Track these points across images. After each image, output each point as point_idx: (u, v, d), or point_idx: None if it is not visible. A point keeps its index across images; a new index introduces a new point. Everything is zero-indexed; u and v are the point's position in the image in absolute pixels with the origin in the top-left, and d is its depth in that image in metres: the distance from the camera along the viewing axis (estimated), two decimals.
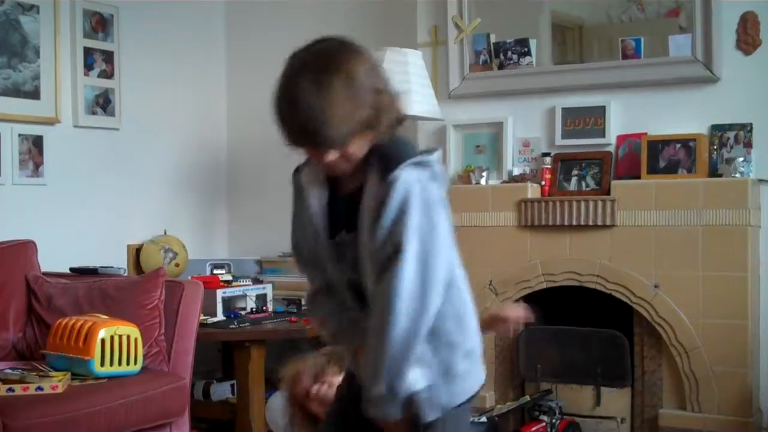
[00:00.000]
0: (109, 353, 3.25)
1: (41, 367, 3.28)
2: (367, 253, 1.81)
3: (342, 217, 1.88)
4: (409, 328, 1.75)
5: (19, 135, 4.09)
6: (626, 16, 4.07)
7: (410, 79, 3.94)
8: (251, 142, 5.11)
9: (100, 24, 4.47)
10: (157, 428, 3.40)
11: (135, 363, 3.33)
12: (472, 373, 1.94)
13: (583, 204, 3.78)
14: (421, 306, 1.75)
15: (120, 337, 3.28)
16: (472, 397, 1.97)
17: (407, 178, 1.76)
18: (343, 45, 1.81)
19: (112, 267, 4.04)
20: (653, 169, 3.74)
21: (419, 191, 1.76)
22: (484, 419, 3.74)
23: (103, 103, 4.47)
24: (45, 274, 3.76)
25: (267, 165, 5.02)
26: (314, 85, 1.72)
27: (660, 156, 3.74)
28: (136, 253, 4.53)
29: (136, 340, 3.33)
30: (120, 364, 3.28)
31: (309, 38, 4.99)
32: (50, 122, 4.22)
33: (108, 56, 4.50)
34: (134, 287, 3.64)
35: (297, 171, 1.97)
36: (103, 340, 3.22)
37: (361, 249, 1.82)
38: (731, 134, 3.67)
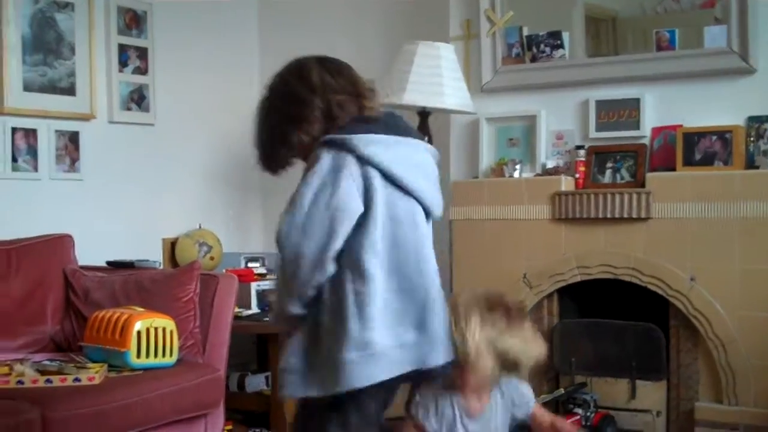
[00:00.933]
0: (145, 345, 3.27)
1: (78, 359, 3.32)
2: None
3: None
4: (292, 259, 2.01)
5: (56, 131, 4.14)
6: (661, 8, 4.04)
7: (442, 72, 3.93)
8: None
9: (134, 21, 4.51)
10: (192, 419, 3.43)
11: (171, 355, 3.36)
12: (362, 367, 1.98)
13: (617, 196, 3.75)
14: (302, 241, 2.00)
15: (156, 329, 3.30)
16: (363, 391, 2.00)
17: (318, 152, 2.06)
18: (274, 79, 2.36)
19: (147, 260, 4.07)
20: (689, 162, 3.70)
21: (325, 160, 2.04)
22: None
23: (138, 98, 4.51)
24: (82, 267, 3.81)
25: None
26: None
27: (696, 148, 3.71)
28: (171, 247, 4.57)
29: (171, 332, 3.36)
30: (156, 356, 3.31)
31: (342, 32, 5.05)
32: (86, 118, 4.26)
33: (142, 52, 4.53)
34: (169, 280, 3.67)
35: None
36: (139, 333, 3.25)
37: None
38: None
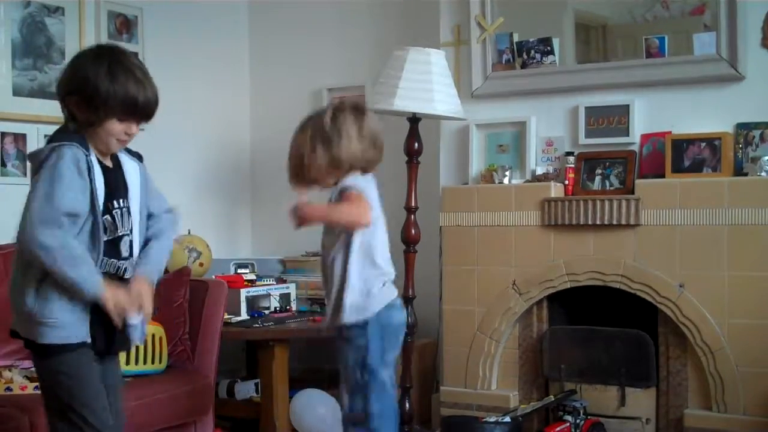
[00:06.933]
0: (134, 352, 3.27)
1: None
2: None
3: None
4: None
5: (45, 136, 4.07)
6: (650, 15, 4.05)
7: (433, 78, 3.93)
8: (274, 142, 5.12)
9: (124, 25, 4.51)
10: (181, 426, 3.43)
11: (160, 362, 3.36)
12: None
13: (607, 203, 3.76)
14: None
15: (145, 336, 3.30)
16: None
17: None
18: None
19: None
20: (678, 168, 3.71)
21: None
22: (507, 419, 3.74)
23: None
24: None
25: None
26: None
27: (684, 155, 3.72)
28: None
29: (161, 338, 3.36)
30: (145, 362, 3.31)
31: (332, 38, 5.04)
32: None
33: None
34: (159, 286, 3.65)
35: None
36: None
37: None
38: (756, 133, 3.64)
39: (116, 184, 2.43)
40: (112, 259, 2.39)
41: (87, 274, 2.29)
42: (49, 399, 2.39)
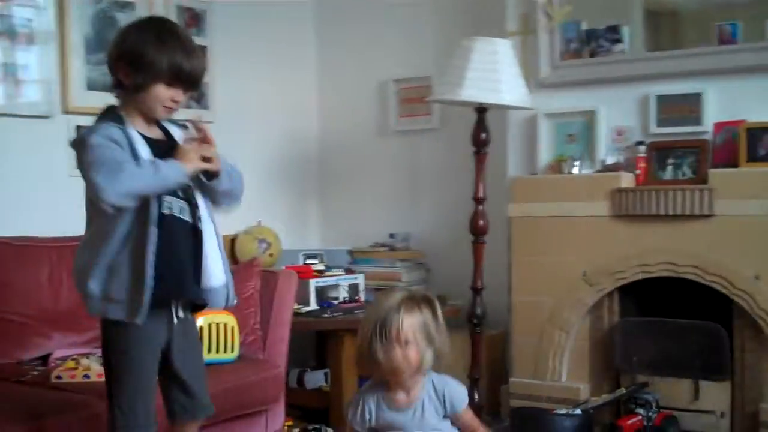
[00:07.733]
0: (207, 341, 3.31)
1: None
2: None
3: None
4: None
5: None
6: (722, 0, 3.97)
7: (500, 68, 3.90)
8: (341, 133, 5.16)
9: (193, 20, 4.56)
10: (253, 415, 3.46)
11: (232, 351, 3.40)
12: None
13: (679, 193, 3.70)
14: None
15: (217, 325, 3.35)
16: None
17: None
18: None
19: None
20: (752, 158, 3.64)
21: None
22: (578, 412, 3.71)
23: (198, 95, 4.55)
24: None
25: (357, 156, 5.06)
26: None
27: (759, 144, 3.64)
28: (231, 244, 4.60)
29: (232, 328, 3.40)
30: (217, 351, 3.35)
31: (398, 27, 5.02)
32: None
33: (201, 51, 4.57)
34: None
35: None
36: (200, 328, 3.28)
37: None
38: None
39: (164, 154, 2.41)
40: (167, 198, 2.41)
41: (163, 170, 2.32)
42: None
